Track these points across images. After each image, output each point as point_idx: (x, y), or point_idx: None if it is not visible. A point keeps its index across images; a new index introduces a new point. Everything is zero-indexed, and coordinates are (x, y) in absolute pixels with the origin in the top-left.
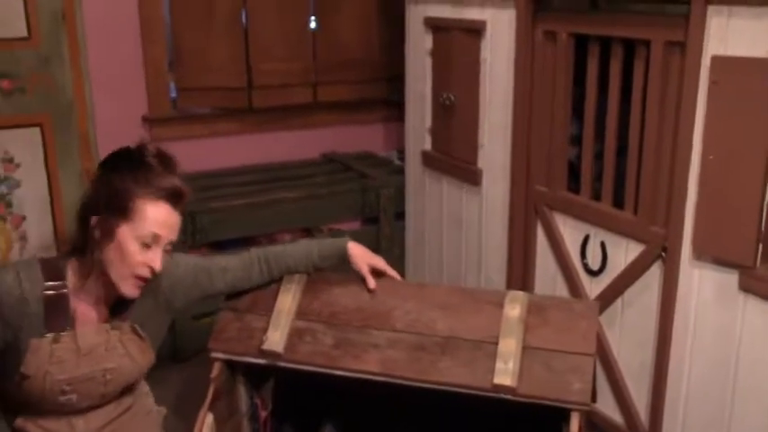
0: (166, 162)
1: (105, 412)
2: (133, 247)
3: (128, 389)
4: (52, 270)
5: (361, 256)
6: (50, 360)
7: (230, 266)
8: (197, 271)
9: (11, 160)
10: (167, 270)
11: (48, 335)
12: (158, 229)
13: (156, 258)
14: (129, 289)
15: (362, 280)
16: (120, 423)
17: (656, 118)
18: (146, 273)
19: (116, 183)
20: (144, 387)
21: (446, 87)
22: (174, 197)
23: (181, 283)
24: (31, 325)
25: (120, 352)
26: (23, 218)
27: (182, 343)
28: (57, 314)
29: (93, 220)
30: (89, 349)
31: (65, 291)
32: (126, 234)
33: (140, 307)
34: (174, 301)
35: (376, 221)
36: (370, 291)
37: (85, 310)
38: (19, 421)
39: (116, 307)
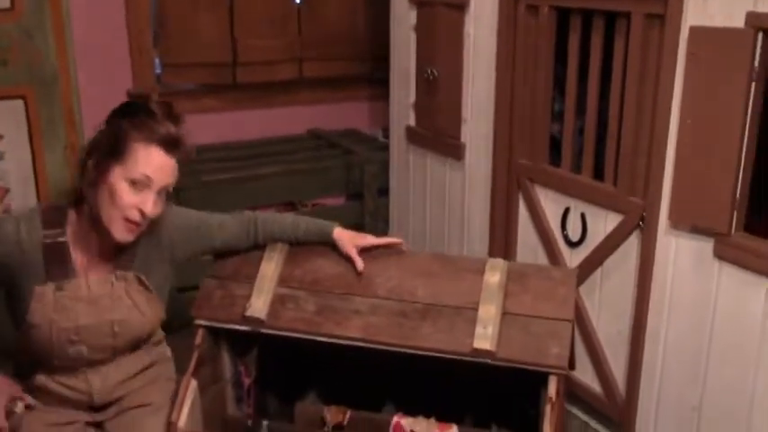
0: (168, 111)
1: (122, 369)
2: (123, 188)
3: (140, 344)
4: (52, 218)
5: (347, 239)
6: (55, 308)
7: (227, 223)
8: (199, 223)
9: None
10: (169, 220)
11: (50, 283)
12: (150, 172)
13: (146, 201)
14: (119, 232)
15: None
16: (140, 381)
17: (635, 90)
18: (135, 216)
19: (116, 127)
20: (167, 351)
21: (430, 62)
22: (167, 143)
23: (182, 233)
24: (32, 272)
25: (127, 303)
26: (8, 190)
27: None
28: (57, 262)
29: (91, 161)
30: (93, 299)
31: (63, 239)
32: (118, 175)
33: (144, 258)
34: (176, 252)
35: (360, 197)
36: (359, 273)
37: (88, 261)
38: (38, 379)
39: (119, 258)
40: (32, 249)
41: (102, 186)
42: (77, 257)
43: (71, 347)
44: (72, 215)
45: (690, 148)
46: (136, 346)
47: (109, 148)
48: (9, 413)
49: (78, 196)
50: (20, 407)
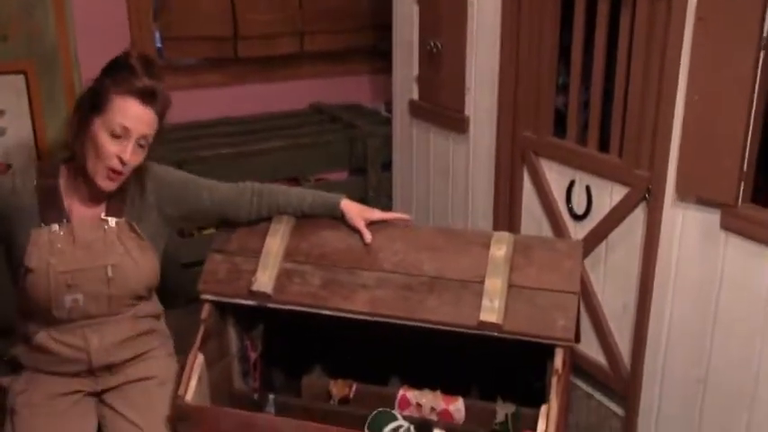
0: (147, 65)
1: (119, 328)
2: (104, 138)
3: (136, 300)
4: (46, 169)
5: (355, 212)
6: (51, 251)
7: (222, 188)
8: (187, 182)
9: None
10: (156, 173)
11: (45, 226)
12: (127, 122)
13: (125, 150)
14: (102, 180)
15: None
16: (138, 348)
17: (641, 60)
18: (116, 164)
19: (98, 81)
20: (166, 330)
21: (433, 34)
22: (144, 95)
23: (169, 188)
24: (28, 217)
25: (120, 250)
26: (9, 166)
27: (171, 291)
28: (50, 206)
29: (76, 116)
30: (87, 243)
31: (56, 185)
32: (98, 127)
33: (132, 206)
34: (164, 206)
35: (363, 172)
36: (366, 244)
37: (80, 208)
38: (38, 337)
39: (109, 205)
40: (27, 194)
41: (86, 139)
42: (70, 204)
43: (68, 295)
44: (64, 169)
45: (697, 121)
46: (132, 301)
47: (91, 103)
48: None
49: (70, 153)
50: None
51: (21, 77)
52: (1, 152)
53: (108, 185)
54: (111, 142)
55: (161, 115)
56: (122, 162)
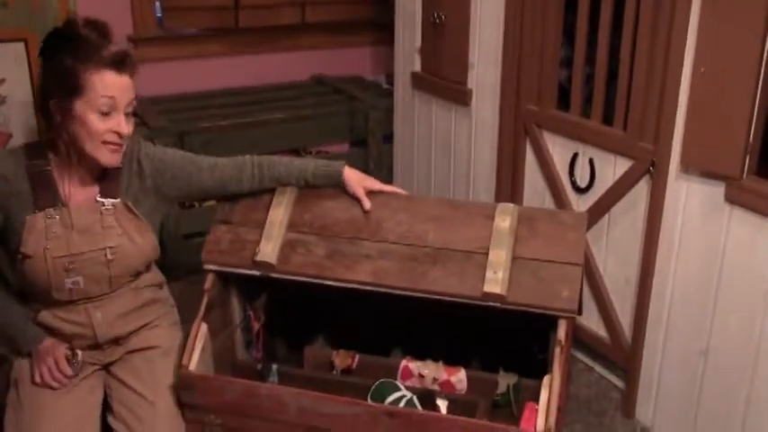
0: (100, 30)
1: (123, 302)
2: (93, 118)
3: (137, 276)
4: (34, 151)
5: (356, 180)
6: (47, 236)
7: (220, 164)
8: (185, 161)
9: None
10: (153, 154)
11: (39, 212)
12: (111, 95)
13: (119, 123)
14: (106, 157)
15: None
16: (142, 320)
17: (648, 32)
18: (114, 138)
19: (59, 64)
20: (170, 299)
21: (437, 6)
22: (116, 63)
23: (167, 167)
24: (22, 203)
25: (118, 231)
26: (10, 135)
27: (172, 262)
28: (44, 191)
29: (52, 104)
30: (84, 227)
31: (48, 168)
32: (83, 109)
33: (128, 186)
34: (162, 186)
35: (364, 144)
36: (366, 212)
37: (74, 190)
38: (41, 316)
39: (104, 186)
40: (18, 180)
41: (71, 123)
42: (63, 188)
43: (67, 278)
44: (51, 150)
45: (703, 93)
46: (132, 278)
47: (64, 86)
48: (69, 360)
49: (50, 137)
50: (80, 354)
51: (21, 45)
52: (2, 121)
53: (113, 160)
54: (101, 120)
55: (136, 75)
56: (121, 135)
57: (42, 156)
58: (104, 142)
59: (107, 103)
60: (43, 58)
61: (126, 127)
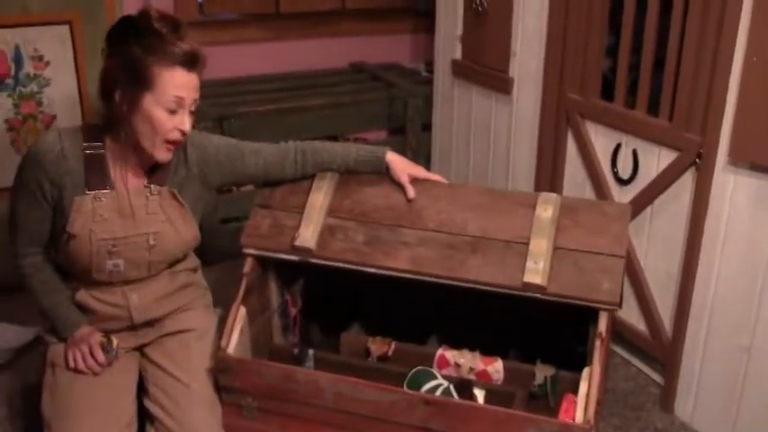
0: (174, 26)
1: (159, 285)
2: (160, 115)
3: (175, 263)
4: (91, 133)
5: (400, 166)
6: (93, 218)
7: (264, 150)
8: (230, 148)
9: (40, 58)
10: (199, 142)
11: (89, 192)
12: (180, 94)
13: (183, 121)
14: (162, 154)
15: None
16: (177, 303)
17: (698, 19)
18: (177, 136)
19: (130, 55)
20: (203, 281)
21: None
22: (187, 61)
23: (213, 157)
24: (73, 182)
25: (162, 218)
26: (54, 117)
27: (209, 247)
28: (96, 173)
29: (117, 94)
30: (130, 211)
31: (102, 151)
32: (150, 103)
33: (175, 175)
34: (207, 174)
35: (402, 132)
36: (409, 200)
37: (124, 175)
38: (79, 295)
39: (153, 174)
40: (75, 159)
41: (136, 116)
42: (114, 172)
43: (109, 260)
44: (108, 138)
45: (755, 84)
46: (171, 264)
47: (132, 78)
48: (104, 348)
49: (109, 122)
50: (115, 342)
51: (66, 27)
52: (46, 103)
53: (168, 157)
54: (168, 117)
55: (202, 73)
56: (183, 133)
57: (99, 138)
58: (167, 140)
59: (176, 101)
60: (111, 46)
61: (189, 125)
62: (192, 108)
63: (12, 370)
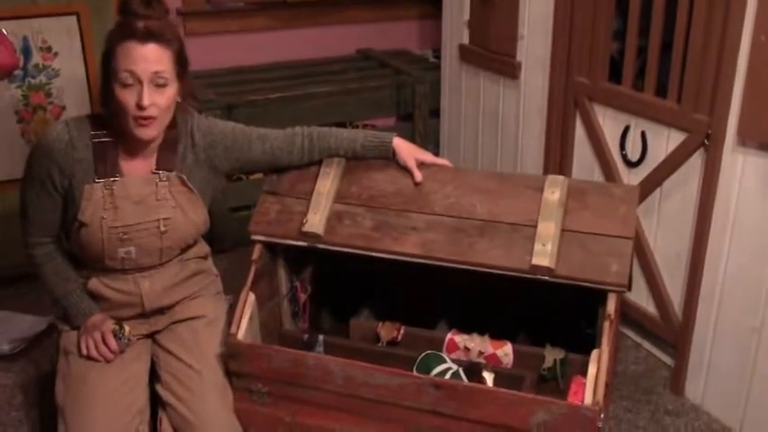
0: (146, 4)
1: (170, 273)
2: (118, 91)
3: (186, 248)
4: (98, 122)
5: (407, 150)
6: (104, 206)
7: (270, 135)
8: (236, 133)
9: (49, 49)
10: (206, 127)
11: (99, 181)
12: (129, 66)
13: (140, 95)
14: (138, 130)
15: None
16: (187, 290)
17: (705, 0)
18: (137, 111)
19: (107, 39)
20: (213, 268)
21: None
22: (140, 34)
23: (221, 142)
24: (83, 171)
25: (172, 203)
26: (63, 107)
27: (218, 234)
28: (105, 161)
29: (101, 81)
30: (140, 198)
31: (110, 139)
32: (113, 82)
33: (183, 160)
34: (215, 158)
35: (411, 118)
36: (416, 184)
37: (132, 162)
38: (91, 283)
39: (160, 160)
40: (83, 148)
41: (112, 98)
42: (122, 159)
43: (121, 247)
44: (114, 127)
45: (763, 64)
46: (182, 250)
47: (103, 61)
48: (116, 335)
49: (112, 113)
50: (127, 330)
51: (73, 18)
52: (55, 93)
53: (143, 133)
54: (125, 92)
55: (172, 46)
56: (141, 107)
57: (105, 127)
58: (132, 117)
59: (128, 74)
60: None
61: (147, 99)
62: (160, 81)
63: (26, 358)
